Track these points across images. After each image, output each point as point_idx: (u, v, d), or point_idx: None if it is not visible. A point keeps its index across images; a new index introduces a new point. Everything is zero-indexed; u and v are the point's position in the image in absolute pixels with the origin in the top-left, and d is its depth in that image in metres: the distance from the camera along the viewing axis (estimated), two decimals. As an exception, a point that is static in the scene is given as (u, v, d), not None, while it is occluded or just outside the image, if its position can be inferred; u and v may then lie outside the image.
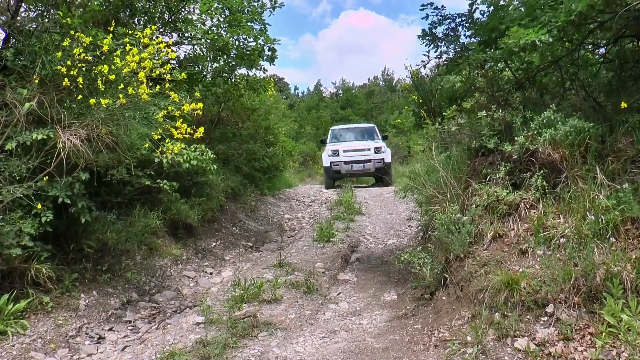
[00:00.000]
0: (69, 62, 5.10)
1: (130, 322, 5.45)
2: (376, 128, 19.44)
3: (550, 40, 4.47)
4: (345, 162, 16.58)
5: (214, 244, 8.71)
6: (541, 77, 6.60)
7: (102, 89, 5.05)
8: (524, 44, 4.38)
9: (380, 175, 16.80)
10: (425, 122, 7.69)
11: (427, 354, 3.96)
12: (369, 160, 16.60)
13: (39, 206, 5.04)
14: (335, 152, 16.80)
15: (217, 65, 9.59)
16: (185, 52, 9.15)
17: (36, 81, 5.25)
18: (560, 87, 6.52)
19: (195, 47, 8.89)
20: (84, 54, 5.06)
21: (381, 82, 44.00)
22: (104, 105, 4.87)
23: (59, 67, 5.13)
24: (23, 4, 6.66)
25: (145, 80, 5.21)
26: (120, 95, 4.93)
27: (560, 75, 6.36)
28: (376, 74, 58.75)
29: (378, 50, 78.63)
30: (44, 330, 4.81)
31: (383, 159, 16.74)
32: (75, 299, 5.44)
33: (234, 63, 9.09)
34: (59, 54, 5.26)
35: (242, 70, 10.15)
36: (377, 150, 16.74)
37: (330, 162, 16.79)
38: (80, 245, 5.90)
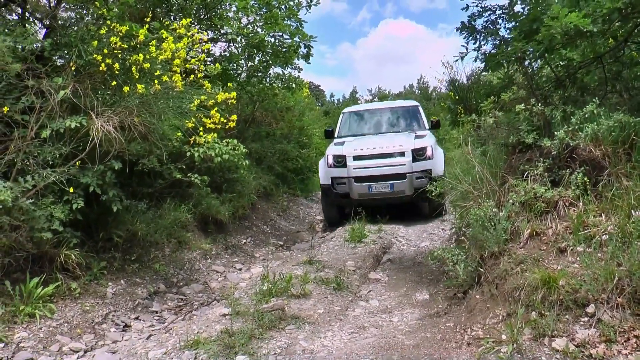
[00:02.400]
0: (105, 51, 5.13)
1: (156, 312, 5.42)
2: (420, 109, 11.25)
3: (594, 30, 4.28)
4: (358, 179, 9.23)
5: (244, 241, 8.68)
6: (582, 76, 6.36)
7: (137, 77, 5.05)
8: (567, 29, 4.18)
9: (425, 200, 8.57)
10: (461, 118, 7.59)
11: (460, 351, 3.79)
12: (403, 175, 9.09)
13: (71, 190, 5.05)
14: (339, 160, 9.45)
15: (252, 64, 9.61)
16: (221, 49, 9.18)
17: (72, 68, 5.28)
18: (602, 86, 6.28)
19: (231, 44, 8.91)
20: (120, 43, 5.08)
21: (417, 91, 43.73)
22: (139, 91, 4.87)
23: (95, 56, 5.16)
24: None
25: (178, 70, 5.20)
26: (155, 81, 4.93)
27: (604, 73, 6.12)
28: (412, 82, 58.42)
29: (416, 60, 78.20)
30: (71, 315, 4.81)
31: (429, 170, 9.09)
32: (102, 286, 5.45)
33: (269, 61, 9.07)
34: (95, 42, 5.30)
35: (277, 70, 10.17)
36: (420, 153, 9.20)
37: (332, 178, 9.48)
38: (110, 235, 5.92)
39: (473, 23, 5.44)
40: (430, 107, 34.76)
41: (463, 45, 5.53)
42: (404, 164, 9.09)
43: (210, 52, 8.26)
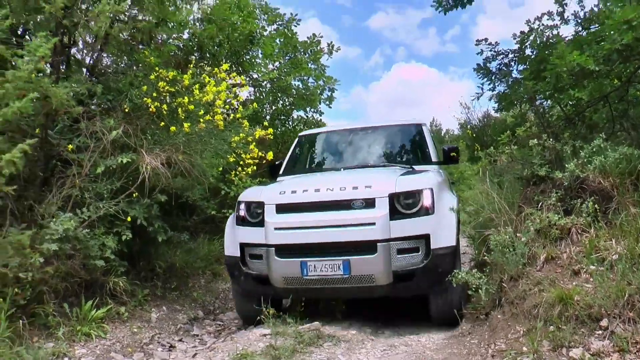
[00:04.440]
0: (154, 94, 5.70)
1: (197, 335, 5.82)
2: (426, 131, 6.99)
3: (597, 69, 4.76)
4: (283, 251, 5.18)
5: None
6: (591, 114, 6.84)
7: (183, 117, 5.60)
8: (571, 67, 4.67)
9: (431, 290, 5.20)
10: (478, 154, 7.97)
11: (485, 363, 4.14)
12: (370, 245, 4.96)
13: (129, 219, 5.55)
14: (254, 212, 5.46)
15: (276, 107, 10.20)
16: (249, 92, 9.80)
17: (126, 110, 5.84)
18: (610, 124, 6.74)
19: (257, 88, 9.54)
20: (167, 87, 5.66)
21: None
22: (186, 130, 5.41)
23: (145, 100, 5.74)
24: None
25: (219, 111, 5.76)
26: (201, 120, 5.47)
27: (610, 111, 6.58)
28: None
29: (428, 103, 79.53)
30: (122, 336, 5.22)
31: (426, 237, 5.01)
32: (147, 312, 5.87)
33: (293, 103, 9.66)
34: (145, 87, 5.89)
35: (300, 113, 10.75)
36: (408, 203, 5.09)
37: (241, 247, 5.51)
38: (152, 264, 6.38)
39: (488, 65, 5.96)
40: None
41: (479, 86, 6.05)
42: (373, 223, 4.90)
43: (238, 97, 8.87)
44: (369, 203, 5.04)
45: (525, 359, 3.98)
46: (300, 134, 7.71)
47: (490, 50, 5.93)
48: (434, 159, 6.52)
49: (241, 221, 5.55)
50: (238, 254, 5.51)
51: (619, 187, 5.06)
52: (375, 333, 5.37)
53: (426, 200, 5.07)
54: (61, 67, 7.11)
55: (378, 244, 4.92)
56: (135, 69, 6.84)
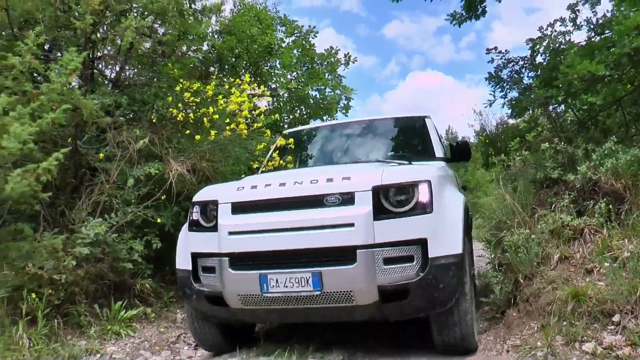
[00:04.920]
0: (180, 105, 5.97)
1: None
2: (430, 125, 5.95)
3: (607, 74, 4.92)
4: (238, 261, 4.06)
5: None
6: (604, 118, 6.96)
7: (208, 127, 5.85)
8: (582, 74, 4.83)
9: (421, 314, 4.02)
10: (492, 159, 8.12)
11: (500, 357, 4.29)
12: (348, 252, 3.78)
13: (159, 220, 5.83)
14: (206, 214, 4.39)
15: (294, 116, 10.45)
16: (268, 102, 10.06)
17: (154, 120, 6.12)
18: (624, 127, 6.85)
19: (275, 98, 9.79)
20: (192, 98, 5.92)
21: (445, 142, 44.36)
22: (211, 139, 5.66)
23: (170, 110, 6.01)
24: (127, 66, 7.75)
25: (242, 120, 6.00)
26: (227, 128, 5.71)
27: (623, 115, 6.70)
28: (440, 133, 59.16)
29: (443, 110, 79.28)
30: (149, 335, 5.45)
31: (422, 242, 3.81)
32: (172, 313, 6.10)
33: (310, 112, 9.89)
34: (170, 98, 6.16)
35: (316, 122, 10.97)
36: (399, 200, 3.92)
37: (193, 258, 4.40)
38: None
39: (499, 73, 6.14)
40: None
41: (490, 93, 6.21)
42: (351, 224, 3.83)
43: (257, 107, 9.14)
44: (347, 199, 3.89)
45: (539, 353, 4.11)
46: (284, 132, 6.82)
47: (501, 59, 6.12)
48: (438, 154, 5.53)
49: (194, 226, 4.45)
50: (189, 267, 4.40)
51: (631, 189, 5.19)
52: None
53: (422, 196, 3.88)
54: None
55: (358, 250, 3.74)
56: (158, 81, 7.12)
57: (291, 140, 6.00)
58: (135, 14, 6.93)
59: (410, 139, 6.10)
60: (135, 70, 7.93)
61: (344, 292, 3.83)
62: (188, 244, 4.51)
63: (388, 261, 3.80)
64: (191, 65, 8.35)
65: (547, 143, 5.51)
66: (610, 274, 4.41)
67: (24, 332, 4.60)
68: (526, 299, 4.95)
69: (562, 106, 7.06)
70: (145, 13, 6.44)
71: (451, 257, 3.89)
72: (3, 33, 6.23)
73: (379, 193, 3.91)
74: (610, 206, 5.07)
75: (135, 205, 5.97)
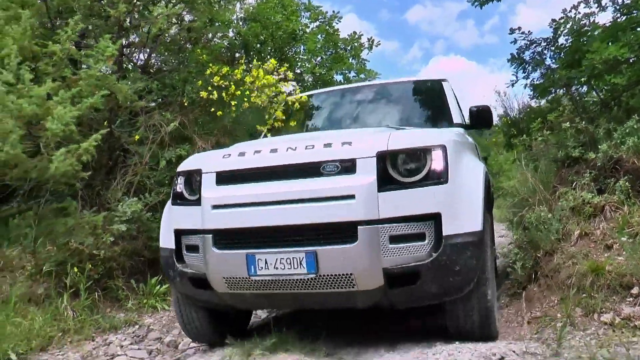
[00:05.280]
0: (210, 87, 6.20)
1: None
2: (447, 88, 5.39)
3: (632, 57, 4.98)
4: (222, 238, 3.57)
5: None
6: (627, 98, 6.99)
7: (229, 102, 6.09)
8: (606, 59, 4.90)
9: (434, 301, 3.54)
10: (514, 140, 8.19)
11: (521, 328, 4.46)
12: (348, 229, 3.28)
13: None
14: (190, 185, 3.89)
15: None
16: (293, 87, 10.24)
17: (185, 104, 6.37)
18: (648, 108, 6.87)
19: (300, 83, 9.98)
20: (222, 81, 6.15)
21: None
22: (232, 110, 5.87)
23: (201, 93, 6.24)
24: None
25: (265, 97, 6.19)
26: (245, 100, 5.93)
27: (647, 95, 6.73)
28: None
29: (467, 96, 78.71)
30: (184, 309, 5.72)
31: (436, 217, 3.30)
32: (204, 289, 6.37)
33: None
34: (200, 82, 6.39)
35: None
36: (408, 169, 3.42)
37: (176, 234, 3.90)
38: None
39: (522, 55, 6.22)
40: (483, 142, 35.26)
41: (513, 74, 6.30)
42: (351, 196, 3.33)
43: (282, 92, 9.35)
44: (347, 167, 3.36)
45: (559, 324, 4.26)
46: (289, 98, 6.32)
47: (524, 39, 6.19)
48: (456, 120, 5.00)
49: (178, 199, 3.96)
50: (173, 246, 3.92)
51: (652, 167, 5.27)
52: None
53: (436, 163, 3.36)
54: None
55: (359, 227, 3.24)
56: (186, 67, 7.36)
57: (297, 98, 5.86)
58: (165, 2, 7.17)
59: (425, 103, 5.45)
60: (162, 57, 8.19)
61: (344, 275, 3.30)
62: (171, 220, 3.99)
63: (395, 239, 3.28)
64: (218, 52, 8.58)
65: (568, 123, 5.60)
66: (629, 249, 4.52)
67: (68, 304, 4.92)
68: (546, 274, 5.09)
69: (585, 87, 7.09)
70: (174, 1, 6.65)
71: (469, 236, 3.35)
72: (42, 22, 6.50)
73: (385, 160, 3.37)
74: (630, 184, 5.15)
75: (167, 186, 6.23)
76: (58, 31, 5.43)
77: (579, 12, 6.66)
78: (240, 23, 10.28)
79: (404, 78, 5.92)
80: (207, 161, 3.86)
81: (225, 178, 3.67)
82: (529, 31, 6.39)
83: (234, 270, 3.51)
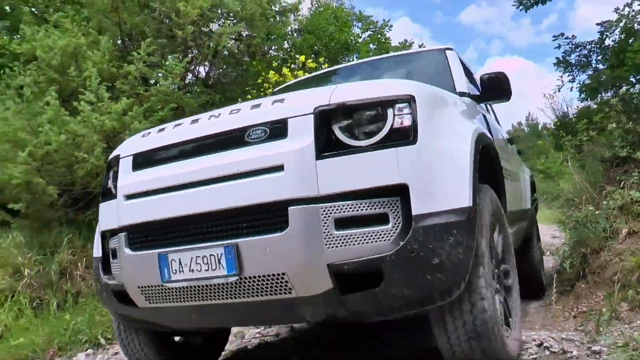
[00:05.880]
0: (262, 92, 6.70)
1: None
2: (452, 57, 4.50)
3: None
4: (135, 236, 2.84)
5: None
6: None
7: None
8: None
9: (408, 311, 2.51)
10: (563, 140, 8.22)
11: (567, 322, 4.65)
12: (277, 213, 2.40)
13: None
14: (112, 176, 3.17)
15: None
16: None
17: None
18: None
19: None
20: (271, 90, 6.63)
21: (526, 128, 43.57)
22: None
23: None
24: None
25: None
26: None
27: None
28: (521, 119, 57.59)
29: (524, 96, 76.99)
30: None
31: (402, 189, 2.35)
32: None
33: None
34: (254, 91, 6.89)
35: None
36: (364, 129, 2.49)
37: (102, 235, 3.22)
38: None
39: (567, 58, 6.38)
40: (540, 143, 34.60)
41: (558, 79, 6.47)
42: (279, 167, 2.44)
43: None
44: (277, 130, 2.53)
45: (605, 317, 4.44)
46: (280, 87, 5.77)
47: (568, 44, 6.33)
48: (460, 89, 4.05)
49: (104, 195, 3.25)
50: (99, 253, 3.26)
51: (702, 165, 5.34)
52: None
53: (400, 119, 2.47)
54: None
55: (291, 208, 2.37)
56: (245, 79, 7.88)
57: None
58: (224, 19, 7.71)
59: (426, 74, 4.48)
60: (221, 70, 8.74)
61: (274, 276, 2.42)
62: (99, 222, 3.26)
63: (343, 223, 2.37)
64: (274, 63, 9.08)
65: (614, 124, 5.72)
66: (676, 245, 4.65)
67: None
68: (594, 271, 5.23)
69: (637, 87, 7.14)
70: (234, 19, 7.17)
71: (451, 214, 2.40)
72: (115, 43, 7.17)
73: (328, 118, 2.50)
74: (679, 182, 5.24)
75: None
76: (133, 53, 6.00)
77: (633, 10, 6.70)
78: (295, 34, 10.76)
79: (406, 51, 5.35)
80: (127, 144, 3.19)
81: (142, 161, 2.95)
82: (572, 35, 6.54)
83: (147, 277, 2.74)
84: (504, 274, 3.16)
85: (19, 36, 8.08)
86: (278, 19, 9.57)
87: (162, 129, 3.05)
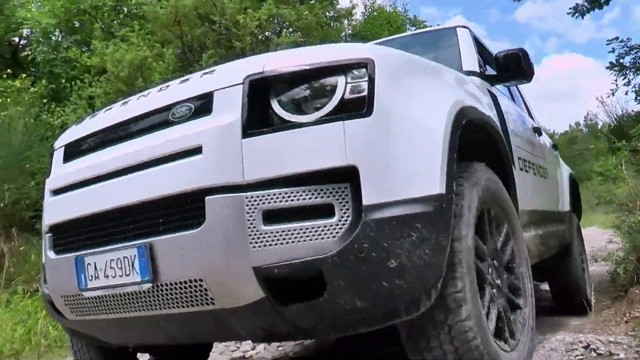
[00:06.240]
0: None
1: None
2: (463, 35, 3.92)
3: None
4: (60, 240, 2.42)
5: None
6: None
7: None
8: None
9: (366, 328, 1.93)
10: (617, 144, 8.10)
11: (618, 327, 4.67)
12: (193, 206, 1.90)
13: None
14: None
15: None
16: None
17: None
18: None
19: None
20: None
21: (584, 129, 42.37)
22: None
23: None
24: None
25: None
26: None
27: None
28: (579, 119, 55.83)
29: (584, 94, 74.65)
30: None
31: (352, 171, 1.80)
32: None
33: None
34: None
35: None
36: (305, 100, 1.94)
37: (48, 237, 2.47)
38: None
39: (622, 61, 6.34)
40: (601, 146, 33.52)
41: (613, 83, 6.43)
42: (197, 150, 1.93)
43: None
44: (203, 106, 2.07)
45: (657, 323, 4.46)
46: None
47: (622, 47, 6.28)
48: (467, 67, 3.57)
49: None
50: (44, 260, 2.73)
51: None
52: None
53: (353, 88, 1.94)
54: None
55: (208, 198, 1.87)
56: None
57: None
58: (280, 29, 8.02)
59: (434, 52, 3.95)
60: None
61: (190, 283, 1.94)
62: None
63: (274, 217, 1.84)
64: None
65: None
66: None
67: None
68: (648, 276, 5.23)
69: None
70: (290, 29, 7.46)
71: (414, 204, 1.90)
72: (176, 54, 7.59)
73: (264, 90, 1.99)
74: None
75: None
76: (194, 64, 6.38)
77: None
78: (349, 40, 10.99)
79: (418, 30, 4.79)
80: (63, 134, 2.84)
81: (72, 151, 2.59)
82: (627, 38, 6.46)
83: (67, 284, 2.34)
84: (508, 285, 2.55)
85: (87, 49, 8.67)
86: (332, 24, 9.82)
87: (94, 115, 2.70)
